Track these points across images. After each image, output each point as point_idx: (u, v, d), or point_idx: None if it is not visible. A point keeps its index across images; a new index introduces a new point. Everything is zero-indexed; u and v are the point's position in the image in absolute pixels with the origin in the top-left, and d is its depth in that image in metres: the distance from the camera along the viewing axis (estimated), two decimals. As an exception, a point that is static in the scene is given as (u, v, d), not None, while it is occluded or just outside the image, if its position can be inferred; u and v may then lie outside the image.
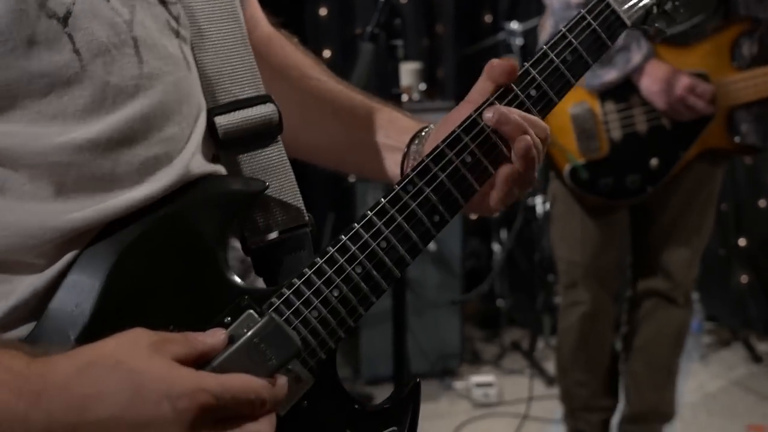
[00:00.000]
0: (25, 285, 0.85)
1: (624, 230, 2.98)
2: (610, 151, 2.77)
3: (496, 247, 4.56)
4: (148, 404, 0.76)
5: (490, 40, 4.63)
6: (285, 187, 1.03)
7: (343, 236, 0.97)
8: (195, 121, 0.96)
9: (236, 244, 0.99)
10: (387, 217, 0.98)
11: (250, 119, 1.01)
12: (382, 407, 0.99)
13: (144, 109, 0.89)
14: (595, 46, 1.07)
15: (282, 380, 0.85)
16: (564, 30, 1.07)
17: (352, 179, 3.92)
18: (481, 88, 1.07)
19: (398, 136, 1.20)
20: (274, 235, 1.01)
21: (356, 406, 0.98)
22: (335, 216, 3.95)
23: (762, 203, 4.48)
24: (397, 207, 0.99)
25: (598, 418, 3.18)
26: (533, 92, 1.05)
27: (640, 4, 1.11)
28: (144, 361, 0.78)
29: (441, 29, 4.92)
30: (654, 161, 2.76)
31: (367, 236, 0.97)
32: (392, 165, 1.20)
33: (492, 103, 1.04)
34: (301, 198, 1.05)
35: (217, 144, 1.00)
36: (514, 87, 1.04)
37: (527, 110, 1.05)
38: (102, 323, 0.85)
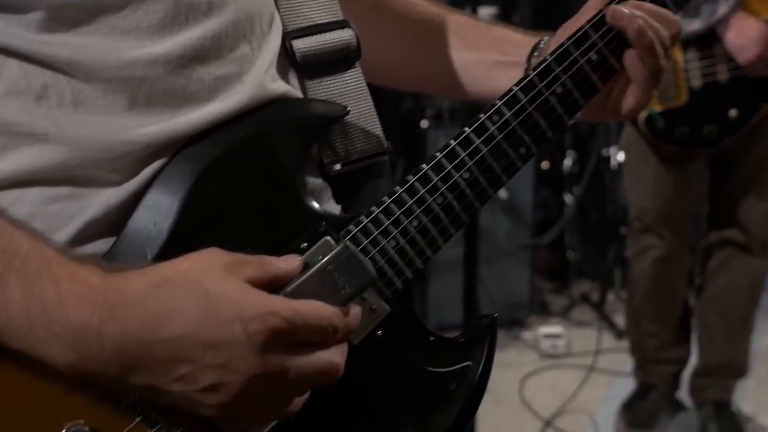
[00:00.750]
0: (101, 200, 0.85)
1: (700, 180, 2.93)
2: (688, 100, 2.72)
3: (567, 198, 4.50)
4: (219, 325, 0.75)
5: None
6: (364, 114, 1.01)
7: (424, 165, 0.94)
8: (268, 42, 0.94)
9: (315, 169, 0.98)
10: (472, 147, 0.95)
11: (328, 43, 0.99)
12: (458, 341, 0.98)
13: (216, 28, 0.88)
14: None
15: (355, 309, 0.84)
16: None
17: (423, 125, 3.89)
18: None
19: (515, 50, 1.15)
20: (353, 161, 0.99)
21: (432, 338, 0.96)
22: (406, 162, 3.93)
23: None
24: (497, 125, 0.96)
25: (668, 371, 3.15)
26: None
27: None
28: (218, 281, 0.77)
29: (517, 19, 4.83)
30: (733, 112, 2.70)
31: (450, 166, 0.94)
32: (510, 82, 1.18)
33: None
34: (380, 125, 1.03)
35: (295, 67, 0.98)
36: (592, 33, 1.00)
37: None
38: (179, 243, 0.84)
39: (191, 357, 0.75)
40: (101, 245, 0.85)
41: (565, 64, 0.98)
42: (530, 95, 0.97)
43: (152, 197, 0.86)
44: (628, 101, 1.04)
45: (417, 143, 3.95)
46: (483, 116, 0.97)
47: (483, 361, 0.96)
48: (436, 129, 3.81)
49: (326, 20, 1.01)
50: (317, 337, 0.80)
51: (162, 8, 0.84)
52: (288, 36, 0.97)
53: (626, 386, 3.33)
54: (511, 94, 0.98)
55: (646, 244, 3.01)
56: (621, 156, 4.20)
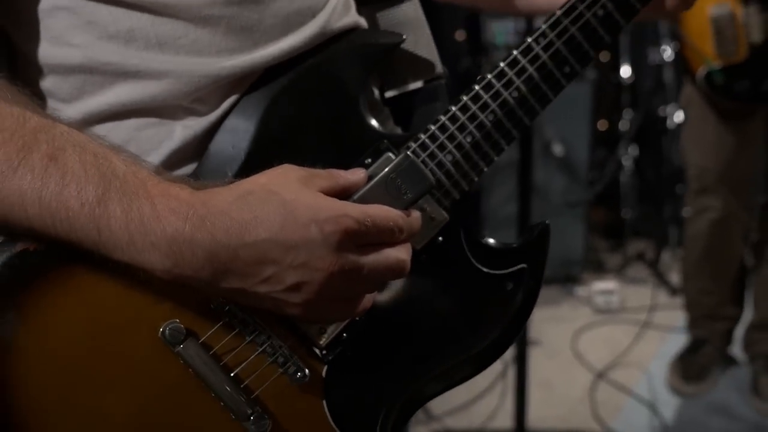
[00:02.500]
0: (186, 127, 0.93)
1: (759, 137, 2.92)
2: (748, 55, 2.71)
3: (624, 158, 4.51)
4: (298, 227, 0.83)
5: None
6: (420, 41, 1.07)
7: (476, 86, 1.00)
8: None
9: (376, 93, 1.05)
10: (519, 66, 1.01)
11: None
12: (511, 245, 1.04)
13: None
14: None
15: (416, 213, 0.92)
16: None
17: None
18: None
19: None
20: (411, 85, 1.06)
21: (489, 244, 1.03)
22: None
23: None
24: (560, 28, 1.03)
25: (722, 327, 3.17)
26: None
27: None
28: (294, 191, 0.85)
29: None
30: None
31: (499, 85, 1.01)
32: None
33: None
34: (436, 51, 1.09)
35: (358, 0, 1.04)
36: None
37: None
38: (256, 161, 0.92)
39: (275, 258, 0.83)
40: (188, 169, 0.94)
41: None
42: (572, 17, 1.03)
43: (230, 122, 0.94)
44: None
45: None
46: (529, 39, 1.02)
47: (537, 263, 1.03)
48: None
49: None
50: (385, 236, 0.87)
51: None
52: None
53: (678, 342, 3.37)
54: (555, 18, 1.03)
55: (704, 205, 3.02)
56: (679, 115, 4.20)
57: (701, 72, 2.74)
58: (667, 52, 4.21)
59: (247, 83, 0.94)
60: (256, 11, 0.93)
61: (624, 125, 4.46)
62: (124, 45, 0.90)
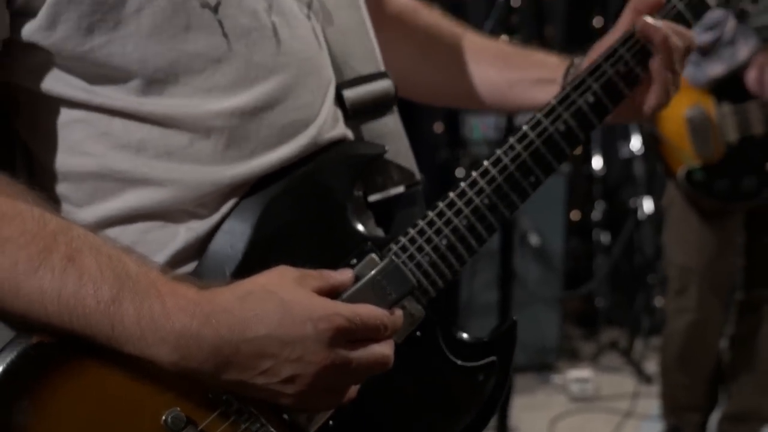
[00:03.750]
0: (190, 231, 1.01)
1: (738, 235, 2.98)
2: (725, 154, 2.79)
3: (598, 246, 4.61)
4: (295, 325, 0.91)
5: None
6: (400, 151, 1.17)
7: (451, 193, 1.11)
8: (325, 93, 1.10)
9: (360, 198, 1.14)
10: (489, 176, 1.12)
11: (372, 93, 1.16)
12: (482, 340, 1.13)
13: (282, 82, 1.04)
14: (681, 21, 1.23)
15: (399, 312, 1.01)
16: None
17: (460, 174, 4.02)
18: (626, 19, 1.23)
19: (553, 70, 1.35)
20: (392, 191, 1.15)
21: (463, 338, 1.12)
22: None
23: None
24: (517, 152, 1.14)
25: (696, 418, 3.20)
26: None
27: None
28: (290, 291, 0.94)
29: (550, 32, 4.99)
30: None
31: (471, 193, 1.11)
32: (548, 96, 1.30)
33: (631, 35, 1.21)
34: (414, 160, 1.19)
35: (345, 113, 1.14)
36: (620, 48, 1.20)
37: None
38: (252, 261, 1.01)
39: (273, 353, 0.91)
40: (189, 267, 1.02)
41: (597, 74, 1.19)
42: (537, 131, 1.16)
43: (229, 225, 1.03)
44: (651, 100, 1.23)
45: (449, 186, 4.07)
46: (499, 151, 1.14)
47: (506, 356, 1.12)
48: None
49: (370, 71, 1.18)
50: (372, 333, 0.96)
51: (235, 69, 1.01)
52: (340, 87, 1.14)
53: (654, 430, 3.41)
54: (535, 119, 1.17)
55: (683, 305, 3.05)
56: (649, 206, 4.32)
57: (681, 171, 2.82)
58: (636, 146, 4.35)
59: (246, 188, 1.03)
60: (255, 122, 1.03)
61: (596, 216, 4.59)
62: (135, 154, 0.99)
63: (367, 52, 1.19)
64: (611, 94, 1.19)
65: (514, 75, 1.39)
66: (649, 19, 1.19)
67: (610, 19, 4.82)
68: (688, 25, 1.24)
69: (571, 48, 4.59)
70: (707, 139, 2.79)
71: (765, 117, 2.75)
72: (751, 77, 2.72)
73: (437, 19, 1.44)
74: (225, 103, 1.00)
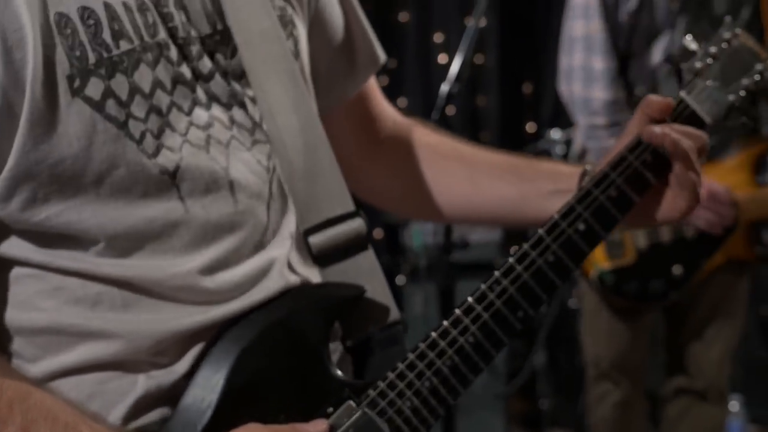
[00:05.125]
0: (151, 379, 1.00)
1: (649, 330, 3.05)
2: (635, 258, 2.88)
3: (538, 346, 4.64)
4: None
5: (531, 147, 4.80)
6: (377, 290, 1.14)
7: (433, 333, 1.07)
8: (286, 241, 1.10)
9: (337, 342, 1.12)
10: (474, 313, 1.08)
11: (341, 235, 1.13)
12: None
13: (239, 239, 1.05)
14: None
15: None
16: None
17: (400, 281, 4.04)
18: (636, 121, 1.20)
19: (566, 180, 1.28)
20: (370, 331, 1.13)
21: None
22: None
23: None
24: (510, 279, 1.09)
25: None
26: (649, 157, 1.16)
27: (723, 102, 1.20)
28: None
29: (485, 137, 5.11)
30: (677, 268, 2.85)
31: (455, 332, 1.07)
32: (558, 203, 1.24)
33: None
34: (392, 298, 1.16)
35: (313, 259, 1.12)
36: (628, 155, 1.16)
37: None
38: (224, 416, 0.99)
39: None
40: (156, 415, 1.01)
41: (603, 185, 1.14)
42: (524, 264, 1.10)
43: (201, 376, 1.01)
44: (679, 205, 1.17)
45: (394, 297, 4.08)
46: (483, 286, 1.10)
47: None
48: (413, 284, 3.95)
49: (338, 213, 1.14)
50: None
51: (192, 231, 1.02)
52: (305, 233, 1.12)
53: None
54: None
55: (603, 390, 3.09)
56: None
57: (593, 274, 2.91)
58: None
59: (210, 333, 1.03)
60: (213, 279, 1.03)
61: (538, 317, 4.62)
62: (90, 308, 0.99)
63: (334, 192, 1.15)
64: (620, 204, 1.13)
65: (527, 188, 1.32)
66: (655, 128, 1.14)
67: (543, 125, 4.97)
68: (702, 124, 1.18)
69: (505, 151, 4.68)
70: (619, 243, 2.88)
71: (674, 225, 2.82)
72: None
73: (436, 134, 1.42)
74: (183, 265, 1.01)
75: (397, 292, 4.04)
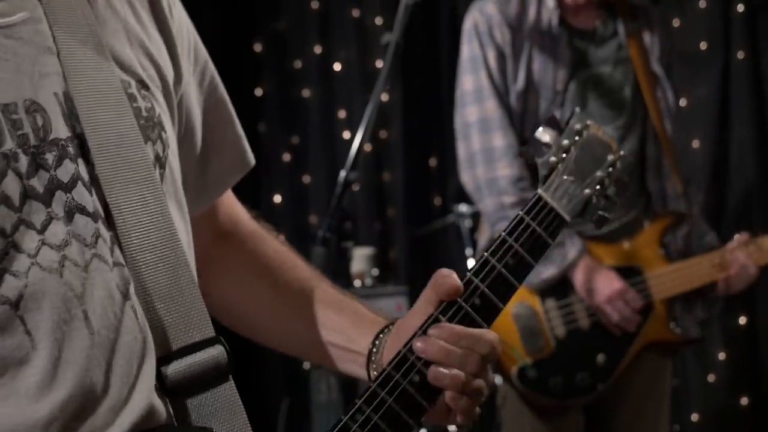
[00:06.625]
0: None
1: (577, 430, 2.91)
2: (556, 349, 2.74)
3: None
4: None
5: (439, 222, 4.77)
6: (237, 426, 1.02)
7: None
8: (143, 375, 0.97)
9: None
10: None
11: (196, 364, 1.01)
12: None
13: (93, 378, 0.91)
14: (536, 247, 1.13)
15: None
16: (504, 234, 1.13)
17: (306, 366, 3.92)
18: (428, 297, 1.13)
19: (359, 340, 1.25)
20: None
21: None
22: (290, 401, 3.92)
23: (711, 377, 4.53)
24: None
25: None
26: (477, 301, 1.11)
27: (580, 197, 1.17)
28: None
29: (392, 213, 5.06)
30: (600, 357, 2.75)
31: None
32: (356, 367, 1.26)
33: (437, 319, 1.10)
34: None
35: (165, 391, 0.99)
36: (458, 298, 1.10)
37: (472, 320, 1.11)
38: None
39: None
40: None
41: (388, 388, 1.08)
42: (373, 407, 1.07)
43: None
44: (463, 408, 1.10)
45: (300, 384, 3.96)
46: (344, 417, 1.07)
47: None
48: (320, 369, 3.84)
49: (194, 340, 1.02)
50: None
51: (40, 371, 0.88)
52: (159, 362, 0.99)
53: None
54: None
55: None
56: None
57: (514, 369, 2.75)
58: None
59: None
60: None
61: None
62: None
63: (191, 316, 1.03)
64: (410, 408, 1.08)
65: (323, 336, 1.29)
66: (419, 344, 1.08)
67: (450, 199, 4.94)
68: (562, 222, 1.15)
69: (412, 227, 4.67)
70: (536, 335, 2.76)
71: (589, 310, 2.75)
72: (578, 280, 2.73)
73: (267, 252, 1.37)
74: (25, 415, 0.87)
75: (303, 378, 3.91)
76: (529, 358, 2.75)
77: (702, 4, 4.58)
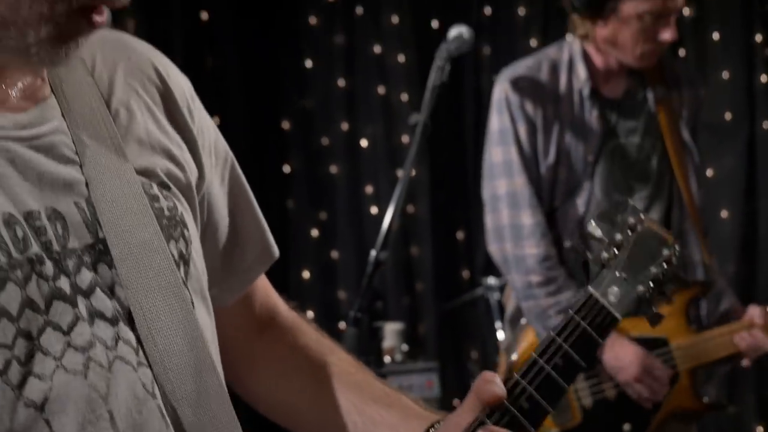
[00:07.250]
0: None
1: None
2: (582, 420, 2.75)
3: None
4: None
5: (468, 295, 4.75)
6: None
7: None
8: None
9: None
10: None
11: None
12: None
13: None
14: (586, 346, 1.08)
15: None
16: (553, 334, 1.08)
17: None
18: (470, 403, 1.08)
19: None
20: None
21: None
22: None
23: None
24: None
25: None
26: (525, 404, 1.05)
27: (632, 294, 1.13)
28: None
29: (420, 287, 5.06)
30: (627, 427, 2.74)
31: None
32: None
33: (482, 422, 1.04)
34: None
35: None
36: (505, 401, 1.05)
37: (519, 425, 1.05)
38: None
39: None
40: None
41: None
42: None
43: None
44: None
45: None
46: None
47: None
48: None
49: None
50: None
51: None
52: None
53: None
54: None
55: None
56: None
57: None
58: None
59: None
60: None
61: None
62: None
63: (221, 421, 1.03)
64: None
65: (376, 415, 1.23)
66: None
67: (478, 272, 4.94)
68: (614, 320, 1.11)
69: (441, 300, 4.63)
70: (564, 407, 2.75)
71: (615, 380, 2.73)
72: (607, 358, 2.70)
73: (308, 342, 1.36)
74: None
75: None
76: (556, 428, 2.75)
77: (725, 74, 4.62)
